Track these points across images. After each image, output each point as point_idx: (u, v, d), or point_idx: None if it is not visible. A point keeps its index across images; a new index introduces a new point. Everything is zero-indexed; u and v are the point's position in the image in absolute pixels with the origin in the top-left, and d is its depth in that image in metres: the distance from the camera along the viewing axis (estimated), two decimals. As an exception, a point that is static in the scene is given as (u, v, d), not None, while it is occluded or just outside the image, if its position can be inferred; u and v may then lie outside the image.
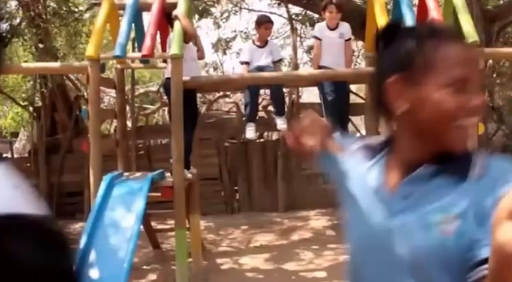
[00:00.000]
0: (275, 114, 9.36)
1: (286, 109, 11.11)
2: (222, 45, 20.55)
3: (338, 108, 9.11)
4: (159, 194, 8.31)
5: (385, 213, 1.79)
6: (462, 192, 1.66)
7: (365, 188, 1.88)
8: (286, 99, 12.98)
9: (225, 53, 21.12)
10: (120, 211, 7.44)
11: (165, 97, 11.12)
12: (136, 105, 15.26)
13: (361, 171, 1.93)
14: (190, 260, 8.82)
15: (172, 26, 8.57)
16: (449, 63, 1.69)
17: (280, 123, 9.07)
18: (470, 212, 1.61)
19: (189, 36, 8.43)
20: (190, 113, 8.33)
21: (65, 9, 14.54)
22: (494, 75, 17.35)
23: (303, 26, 18.55)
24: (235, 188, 14.90)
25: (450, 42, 1.73)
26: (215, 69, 22.58)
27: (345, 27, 9.15)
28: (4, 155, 1.12)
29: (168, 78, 8.27)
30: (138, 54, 8.97)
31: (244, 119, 10.35)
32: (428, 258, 1.64)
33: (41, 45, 13.44)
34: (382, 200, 1.81)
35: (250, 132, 9.06)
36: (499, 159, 1.72)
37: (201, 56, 9.33)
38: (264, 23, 9.47)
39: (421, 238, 1.68)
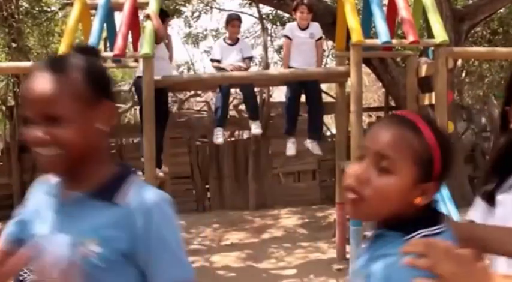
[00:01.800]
0: (249, 119, 9.45)
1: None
2: (192, 39, 20.69)
3: (310, 108, 9.21)
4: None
5: (49, 227, 2.00)
6: (110, 217, 1.88)
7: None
8: (258, 98, 13.06)
9: (195, 46, 21.25)
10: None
11: (137, 96, 11.16)
12: (108, 104, 15.24)
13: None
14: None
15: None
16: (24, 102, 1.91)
17: (255, 127, 9.19)
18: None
19: (159, 36, 8.48)
20: (161, 112, 8.39)
21: (37, 9, 14.57)
22: (464, 74, 17.59)
23: (274, 26, 18.67)
24: (207, 186, 14.95)
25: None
26: (189, 70, 22.61)
27: (315, 27, 9.19)
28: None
29: (140, 77, 8.30)
30: (109, 54, 8.98)
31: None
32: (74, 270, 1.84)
33: (13, 45, 13.43)
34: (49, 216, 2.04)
35: (218, 137, 9.13)
36: (142, 188, 2.02)
37: (170, 56, 9.40)
38: (231, 20, 9.55)
39: (66, 254, 1.87)
